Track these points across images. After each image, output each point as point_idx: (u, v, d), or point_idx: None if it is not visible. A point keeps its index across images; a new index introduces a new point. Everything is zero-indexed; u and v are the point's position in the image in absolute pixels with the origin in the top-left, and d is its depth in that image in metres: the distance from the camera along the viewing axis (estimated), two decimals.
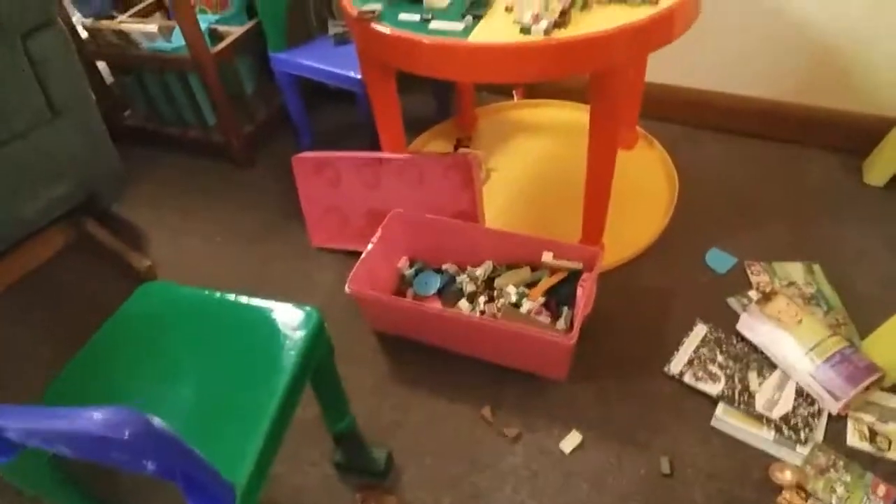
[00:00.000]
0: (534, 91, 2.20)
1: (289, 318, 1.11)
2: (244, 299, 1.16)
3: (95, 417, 0.63)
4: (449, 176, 1.54)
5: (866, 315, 1.44)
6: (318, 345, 1.11)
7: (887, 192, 1.75)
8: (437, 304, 1.53)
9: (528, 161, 1.95)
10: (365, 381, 1.46)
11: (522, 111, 2.15)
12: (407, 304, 1.44)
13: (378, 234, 1.50)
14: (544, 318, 1.39)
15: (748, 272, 1.57)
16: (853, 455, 1.23)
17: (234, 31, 2.01)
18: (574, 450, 1.30)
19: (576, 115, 2.07)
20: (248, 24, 2.04)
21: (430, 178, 1.57)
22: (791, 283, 1.52)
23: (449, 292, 1.55)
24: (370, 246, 1.47)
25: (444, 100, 2.18)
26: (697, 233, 1.69)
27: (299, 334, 1.08)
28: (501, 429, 1.34)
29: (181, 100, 2.14)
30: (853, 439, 1.26)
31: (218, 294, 1.18)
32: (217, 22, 2.09)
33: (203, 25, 1.97)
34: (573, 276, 1.45)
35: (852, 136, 1.84)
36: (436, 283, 1.56)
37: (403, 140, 1.64)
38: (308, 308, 1.12)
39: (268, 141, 2.22)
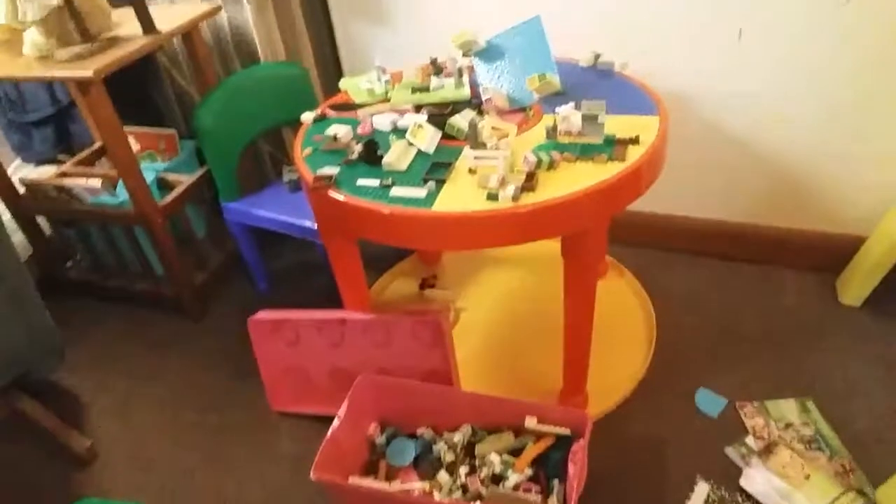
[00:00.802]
0: None
1: None
2: None
3: None
4: (418, 335, 1.44)
5: (871, 456, 1.35)
6: None
7: (864, 312, 1.71)
8: (412, 476, 1.39)
9: (498, 297, 1.87)
10: None
11: None
12: (383, 494, 1.29)
13: (345, 405, 1.37)
14: (534, 496, 1.26)
15: (741, 414, 1.48)
16: None
17: (185, 180, 1.93)
18: None
19: (544, 245, 2.02)
20: (199, 172, 1.96)
21: (398, 337, 1.46)
22: (788, 425, 1.43)
23: (426, 462, 1.40)
24: (336, 421, 1.33)
25: None
26: (682, 370, 1.61)
27: None
28: None
29: (127, 252, 2.02)
30: None
31: None
32: (166, 170, 2.01)
33: (151, 175, 1.90)
34: (561, 441, 1.34)
35: (824, 256, 1.82)
36: (411, 451, 1.42)
37: (367, 294, 1.54)
38: None
39: (221, 287, 2.10)
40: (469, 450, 1.40)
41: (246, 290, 2.08)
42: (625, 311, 1.78)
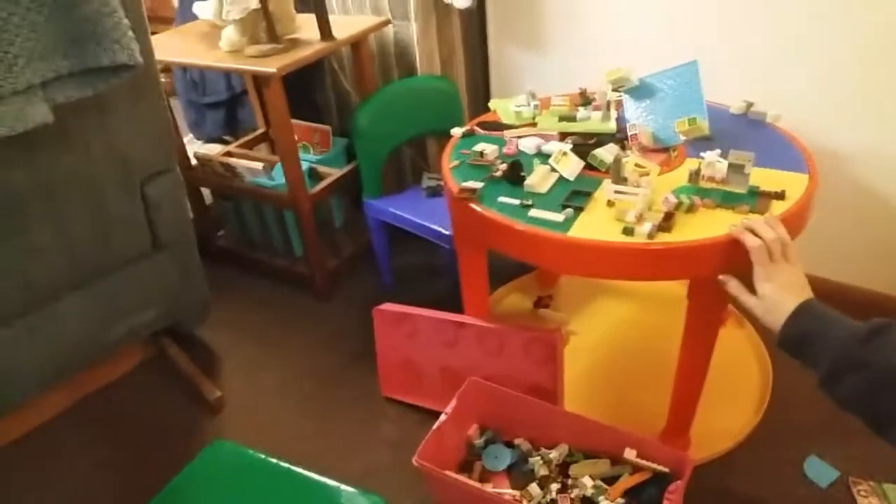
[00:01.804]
0: None
1: None
2: (313, 477, 1.12)
3: None
4: (530, 350, 1.50)
5: None
6: None
7: None
8: (504, 482, 1.44)
9: (610, 326, 1.89)
10: None
11: None
12: (477, 492, 1.35)
13: (453, 403, 1.45)
14: None
15: (853, 491, 1.41)
16: None
17: (333, 173, 2.11)
18: None
19: (665, 283, 2.00)
20: (347, 168, 2.13)
21: (511, 348, 1.53)
22: None
23: (519, 472, 1.45)
24: (443, 416, 1.42)
25: None
26: (793, 434, 1.55)
27: None
28: None
29: (273, 230, 2.22)
30: None
31: (285, 465, 1.15)
32: (317, 162, 2.20)
33: (304, 165, 2.08)
34: (657, 477, 1.34)
35: None
36: (506, 458, 1.48)
37: (487, 304, 1.62)
38: (374, 498, 1.06)
39: (350, 275, 2.26)
40: (563, 469, 1.44)
41: (371, 282, 2.22)
42: (740, 363, 1.74)
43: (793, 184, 1.24)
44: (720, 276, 1.12)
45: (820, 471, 1.46)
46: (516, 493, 1.39)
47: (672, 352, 1.37)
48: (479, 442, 1.52)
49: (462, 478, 1.41)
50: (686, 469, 1.26)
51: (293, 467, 1.15)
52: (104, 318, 1.61)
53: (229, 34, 1.83)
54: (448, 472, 1.38)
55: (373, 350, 1.76)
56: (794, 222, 1.19)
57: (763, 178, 1.26)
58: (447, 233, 1.75)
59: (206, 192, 2.41)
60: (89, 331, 1.59)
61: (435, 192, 1.97)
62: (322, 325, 2.07)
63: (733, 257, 1.16)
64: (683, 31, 1.76)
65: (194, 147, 2.70)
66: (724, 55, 1.71)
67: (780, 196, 1.21)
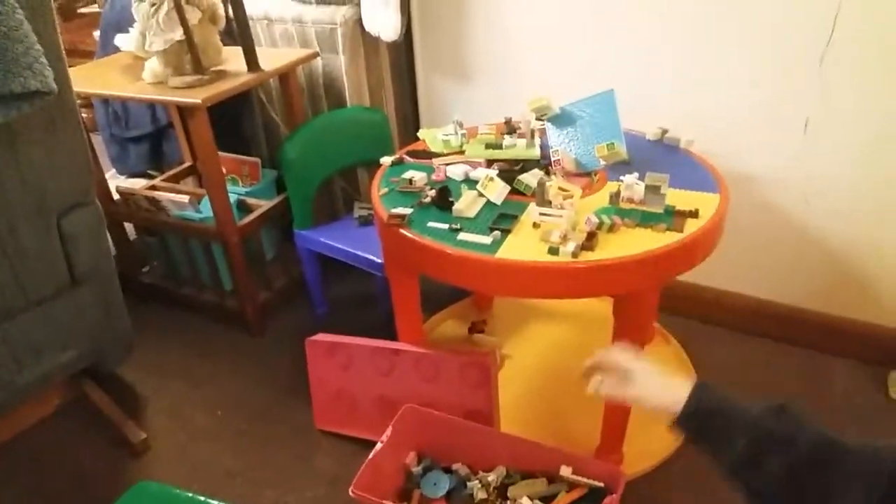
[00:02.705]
0: None
1: None
2: None
3: None
4: (465, 374, 1.51)
5: None
6: None
7: None
8: None
9: (544, 349, 1.92)
10: None
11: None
12: None
13: (389, 431, 1.43)
14: None
15: None
16: None
17: (263, 205, 2.08)
18: None
19: (593, 305, 2.07)
20: (277, 199, 2.11)
21: (446, 373, 1.53)
22: None
23: (458, 497, 1.45)
24: (379, 445, 1.40)
25: None
26: None
27: None
28: None
29: (201, 264, 2.16)
30: None
31: (215, 503, 1.11)
32: (246, 194, 2.17)
33: (232, 197, 2.05)
34: (593, 493, 1.37)
35: (876, 348, 1.82)
36: (445, 485, 1.47)
37: (421, 329, 1.62)
38: None
39: (282, 307, 2.21)
40: (501, 492, 1.44)
41: (304, 313, 2.18)
42: None
43: (705, 203, 1.32)
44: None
45: None
46: None
47: None
48: (417, 469, 1.51)
49: None
50: (619, 482, 1.29)
51: None
52: (15, 360, 1.52)
53: (153, 65, 1.80)
54: (385, 502, 1.36)
55: (307, 383, 1.73)
56: (708, 238, 1.26)
57: (678, 198, 1.33)
58: (379, 261, 1.75)
59: (129, 227, 2.33)
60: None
61: (366, 221, 1.97)
62: (254, 360, 2.02)
63: (653, 273, 1.22)
64: (602, 61, 1.85)
65: (117, 182, 2.61)
66: (640, 85, 1.81)
67: (694, 214, 1.28)
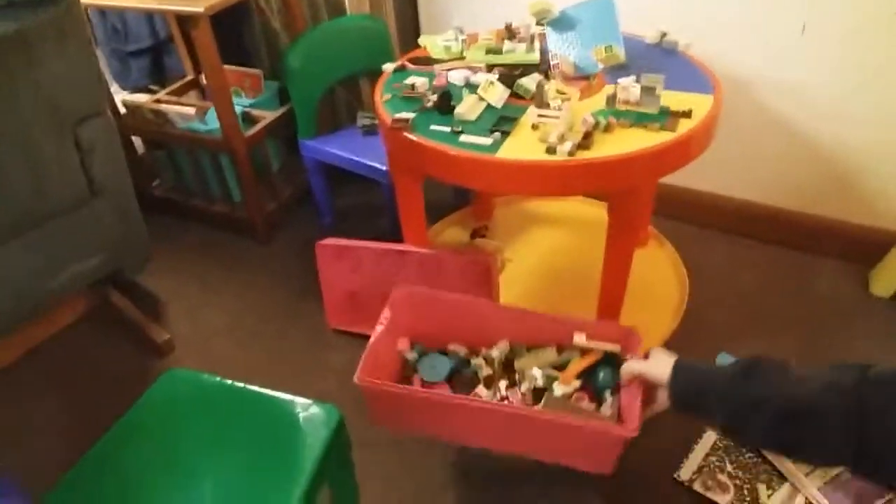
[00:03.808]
0: None
1: (310, 415, 1.14)
2: (268, 392, 1.20)
3: None
4: (467, 273, 1.59)
5: None
6: (339, 443, 1.13)
7: (894, 303, 1.79)
8: (447, 392, 1.45)
9: (543, 253, 2.01)
10: (375, 470, 1.47)
11: (538, 204, 2.23)
12: (435, 398, 1.28)
13: (385, 313, 1.40)
14: (587, 405, 1.28)
15: None
16: None
17: (267, 116, 2.12)
18: None
19: (590, 210, 2.14)
20: (281, 110, 2.14)
21: (449, 272, 1.62)
22: None
23: (461, 378, 1.45)
24: (378, 328, 1.38)
25: (461, 188, 2.25)
26: (707, 335, 1.73)
27: (320, 433, 1.11)
28: None
29: (210, 176, 2.22)
30: None
31: (241, 385, 1.22)
32: (251, 106, 2.19)
33: (237, 109, 2.08)
34: (608, 359, 1.34)
35: (859, 247, 1.90)
36: (445, 367, 1.46)
37: (425, 232, 1.70)
38: (329, 406, 1.15)
39: (289, 218, 2.29)
40: (507, 367, 1.40)
41: (311, 223, 2.26)
42: (661, 279, 1.90)
43: (699, 104, 1.36)
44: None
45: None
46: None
47: (600, 273, 1.49)
48: (411, 355, 1.48)
49: (411, 387, 1.37)
50: (636, 343, 1.25)
51: (249, 386, 1.21)
52: (45, 267, 1.60)
53: None
54: (387, 383, 1.31)
55: (316, 288, 1.83)
56: (700, 138, 1.31)
57: (673, 99, 1.37)
58: (384, 168, 1.81)
59: (137, 142, 2.38)
60: (31, 281, 1.59)
61: (370, 130, 2.01)
62: (265, 267, 2.11)
63: (646, 170, 1.27)
64: None
65: (121, 96, 2.62)
66: None
67: (688, 115, 1.33)
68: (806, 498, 1.35)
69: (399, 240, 1.70)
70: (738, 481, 1.39)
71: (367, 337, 1.76)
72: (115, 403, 1.19)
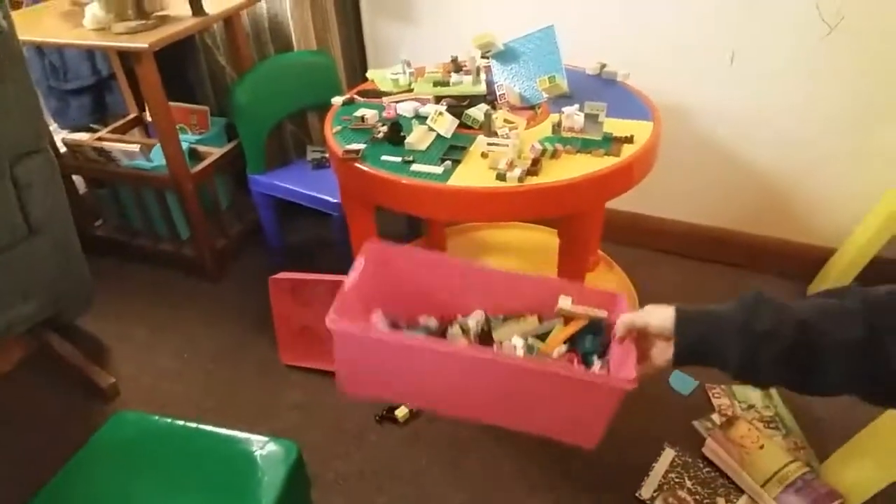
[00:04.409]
0: None
1: (267, 452, 1.11)
2: (222, 431, 1.16)
3: None
4: None
5: (823, 438, 1.50)
6: (298, 480, 1.10)
7: None
8: None
9: None
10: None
11: (490, 232, 2.26)
12: (415, 343, 1.08)
13: (360, 262, 1.15)
14: (577, 366, 1.10)
15: (710, 395, 1.63)
16: None
17: (214, 152, 2.09)
18: None
19: (541, 237, 2.18)
20: (228, 146, 2.12)
21: None
22: (750, 406, 1.59)
23: None
24: (352, 275, 1.13)
25: (415, 220, 2.27)
26: None
27: (279, 470, 1.08)
28: None
29: (156, 214, 2.17)
30: None
31: (194, 425, 1.18)
32: (197, 142, 2.17)
33: (184, 146, 2.05)
34: (594, 327, 1.17)
35: (799, 264, 1.99)
36: None
37: None
38: (286, 442, 1.12)
39: (239, 254, 2.25)
40: (484, 338, 1.22)
41: (262, 259, 2.23)
42: None
43: (640, 130, 1.42)
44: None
45: (683, 382, 1.68)
46: None
47: None
48: (383, 327, 1.24)
49: (392, 332, 1.15)
50: (622, 307, 1.10)
51: (203, 426, 1.17)
52: None
53: (94, 11, 1.77)
54: (373, 328, 1.12)
55: (268, 324, 1.79)
56: (642, 163, 1.36)
57: (615, 126, 1.42)
58: (335, 201, 1.81)
59: (79, 181, 2.31)
60: None
61: (320, 164, 2.01)
62: (215, 305, 2.06)
63: (593, 194, 1.31)
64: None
65: (60, 136, 2.55)
66: (581, 20, 1.88)
67: (630, 140, 1.38)
68: None
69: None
70: (697, 496, 1.41)
71: (324, 372, 1.75)
72: (60, 450, 1.14)
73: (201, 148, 2.14)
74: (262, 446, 1.12)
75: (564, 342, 1.15)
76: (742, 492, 1.41)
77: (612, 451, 1.52)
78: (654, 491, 1.42)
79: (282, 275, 1.71)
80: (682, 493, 1.42)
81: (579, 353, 1.15)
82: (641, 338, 0.99)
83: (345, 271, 1.62)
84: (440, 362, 1.06)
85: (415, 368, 1.10)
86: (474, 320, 1.21)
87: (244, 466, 1.09)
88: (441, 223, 2.13)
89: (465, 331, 1.20)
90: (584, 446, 1.07)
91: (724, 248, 2.08)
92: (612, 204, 2.00)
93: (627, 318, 1.00)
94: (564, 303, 1.16)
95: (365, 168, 1.35)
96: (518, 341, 1.16)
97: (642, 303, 1.90)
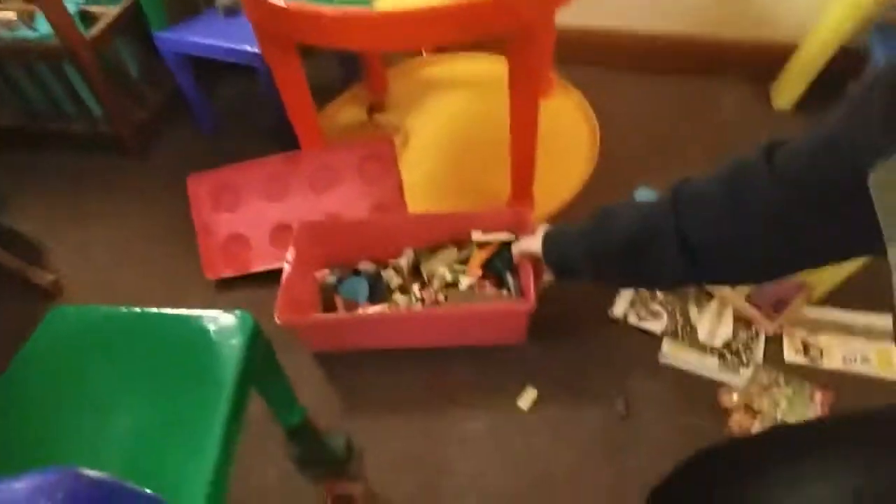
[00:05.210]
0: (443, 45, 2.12)
1: (221, 326, 1.03)
2: (169, 311, 1.07)
3: (18, 489, 0.55)
4: (366, 170, 1.47)
5: None
6: (256, 348, 1.04)
7: (795, 115, 1.82)
8: (369, 309, 1.42)
9: (447, 119, 1.89)
10: (312, 371, 1.41)
11: (435, 67, 2.08)
12: (351, 319, 1.35)
13: (291, 250, 1.37)
14: (491, 290, 1.37)
15: None
16: (791, 369, 1.30)
17: (109, 12, 1.82)
18: (532, 406, 1.31)
19: (490, 67, 2.02)
20: (126, 3, 1.84)
21: (345, 174, 1.49)
22: None
23: (377, 293, 1.44)
24: (287, 267, 1.34)
25: (350, 63, 2.07)
26: (623, 174, 1.70)
27: (235, 342, 1.01)
28: (458, 398, 1.33)
29: (58, 92, 1.93)
30: (790, 355, 1.32)
31: (139, 310, 1.09)
32: (87, 2, 1.88)
33: (71, 8, 1.77)
34: (507, 243, 1.42)
35: (760, 64, 1.88)
36: (365, 288, 1.44)
37: (315, 118, 1.54)
38: (240, 313, 1.04)
39: (164, 126, 2.05)
40: (416, 272, 1.46)
41: (189, 129, 2.03)
42: (571, 126, 1.84)
43: None
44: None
45: (648, 197, 1.63)
46: (384, 306, 1.39)
47: (508, 132, 1.40)
48: (330, 280, 1.46)
49: (335, 314, 1.38)
50: (527, 221, 1.34)
51: (148, 309, 1.09)
52: None
53: None
54: (315, 316, 1.35)
55: None
56: None
57: None
58: (255, 51, 1.60)
59: None
60: None
61: (232, 10, 1.77)
62: (146, 183, 1.90)
63: (536, 6, 1.16)
64: None
65: None
66: None
67: None
68: (734, 309, 1.39)
69: (291, 133, 1.53)
70: (669, 307, 1.41)
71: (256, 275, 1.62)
72: (5, 353, 1.04)
73: (93, 8, 1.86)
74: (215, 321, 1.04)
75: (481, 266, 1.41)
76: (712, 296, 1.42)
77: None
78: (626, 308, 1.42)
79: (201, 173, 1.54)
80: (654, 306, 1.41)
81: (494, 273, 1.41)
82: (536, 259, 1.18)
83: (282, 141, 1.49)
84: (383, 321, 1.35)
85: (367, 329, 1.37)
86: (405, 259, 1.45)
87: (199, 344, 1.01)
88: (378, 60, 1.95)
89: (398, 271, 1.45)
90: (515, 344, 1.38)
91: (685, 56, 1.96)
92: (562, 20, 1.84)
93: (516, 246, 1.26)
94: (476, 236, 1.42)
95: (281, 3, 1.15)
96: (444, 270, 1.41)
97: (604, 124, 1.83)
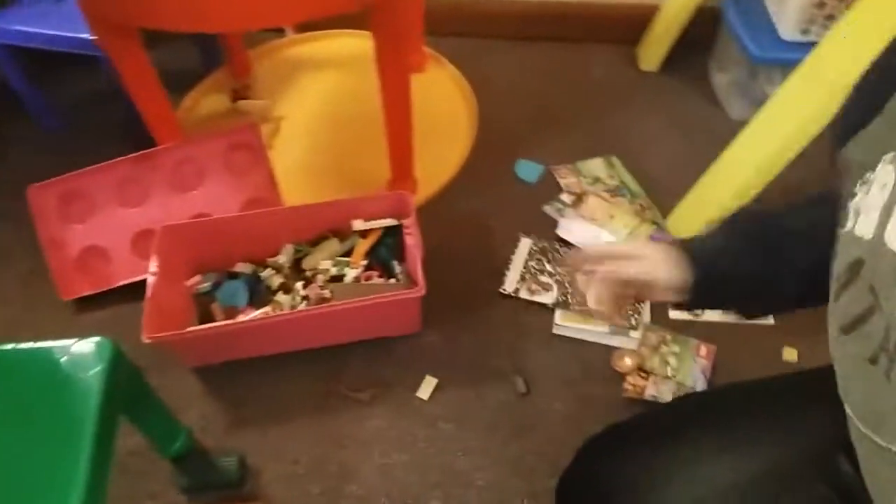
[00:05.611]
0: (308, 24, 2.00)
1: (76, 355, 0.91)
2: (12, 347, 0.94)
3: None
4: (233, 159, 1.35)
5: (664, 196, 1.54)
6: (121, 375, 0.93)
7: (661, 75, 1.87)
8: (251, 312, 1.30)
9: (318, 102, 1.80)
10: (193, 387, 1.30)
11: (301, 47, 1.97)
12: (230, 328, 1.21)
13: (154, 260, 1.22)
14: (378, 280, 1.31)
15: (556, 176, 1.60)
16: (677, 326, 1.34)
17: None
18: (432, 394, 1.27)
19: (357, 44, 1.93)
20: None
21: (211, 169, 1.36)
22: (596, 180, 1.58)
23: (258, 295, 1.33)
24: (151, 278, 1.20)
25: (208, 47, 1.90)
26: (502, 148, 1.68)
27: (94, 372, 0.89)
28: (354, 396, 1.28)
29: None
30: (674, 312, 1.37)
31: None
32: None
33: None
34: (390, 230, 1.37)
35: (627, 28, 1.91)
36: (244, 291, 1.32)
37: (170, 108, 1.40)
38: (97, 339, 0.92)
39: (3, 131, 1.81)
40: (298, 269, 1.37)
41: (32, 129, 1.80)
42: (447, 101, 1.80)
43: None
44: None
45: (528, 169, 1.63)
46: (266, 309, 1.29)
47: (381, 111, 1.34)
48: (204, 287, 1.34)
49: (208, 325, 1.25)
50: (409, 205, 1.29)
51: None
52: None
53: None
54: (189, 330, 1.21)
55: None
56: None
57: None
58: (88, 37, 1.43)
59: None
60: None
61: None
62: None
63: None
64: None
65: None
66: None
67: None
68: None
69: (145, 130, 1.39)
70: (558, 277, 1.41)
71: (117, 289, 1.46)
72: None
73: None
74: (67, 351, 0.92)
75: (366, 255, 1.35)
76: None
77: (470, 255, 1.47)
78: (517, 283, 1.41)
79: (46, 182, 1.35)
80: (544, 278, 1.41)
81: (380, 262, 1.36)
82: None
83: (136, 135, 1.35)
84: (266, 326, 1.22)
85: (249, 337, 1.26)
86: (284, 256, 1.36)
87: (51, 379, 0.89)
88: (238, 42, 1.81)
89: (278, 270, 1.35)
90: (410, 333, 1.33)
91: (554, 23, 1.96)
92: None
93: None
94: (358, 224, 1.36)
95: None
96: (327, 264, 1.33)
97: (479, 95, 1.79)
